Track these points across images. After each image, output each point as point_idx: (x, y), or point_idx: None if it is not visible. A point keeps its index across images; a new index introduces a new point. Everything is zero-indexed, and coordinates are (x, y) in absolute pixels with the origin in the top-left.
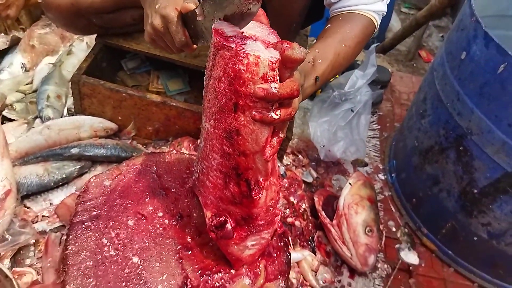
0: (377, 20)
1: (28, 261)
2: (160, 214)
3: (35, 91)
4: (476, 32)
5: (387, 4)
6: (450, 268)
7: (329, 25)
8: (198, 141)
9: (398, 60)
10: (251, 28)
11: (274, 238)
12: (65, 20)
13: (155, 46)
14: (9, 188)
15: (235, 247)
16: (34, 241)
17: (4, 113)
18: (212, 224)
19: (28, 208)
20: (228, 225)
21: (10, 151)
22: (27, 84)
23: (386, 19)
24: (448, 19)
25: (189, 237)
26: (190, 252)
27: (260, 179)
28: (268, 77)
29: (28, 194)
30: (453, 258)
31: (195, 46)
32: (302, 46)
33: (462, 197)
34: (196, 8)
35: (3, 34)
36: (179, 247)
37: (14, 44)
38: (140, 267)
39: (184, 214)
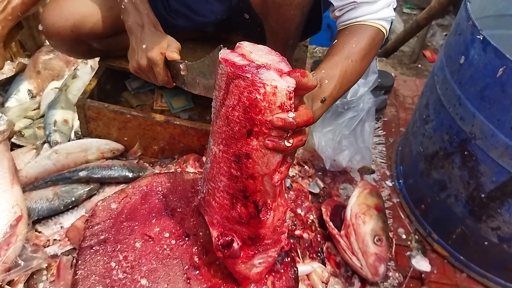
0: (386, 27)
1: (41, 286)
2: (167, 234)
3: (43, 116)
4: (473, 36)
5: None
6: (462, 274)
7: (336, 40)
8: (205, 160)
9: (401, 63)
10: (262, 55)
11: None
12: (66, 46)
13: (138, 76)
14: (20, 214)
15: (242, 265)
16: (46, 265)
17: (13, 140)
18: (219, 243)
19: (39, 232)
20: (235, 244)
21: (20, 177)
22: (34, 110)
23: None
24: (451, 17)
25: (196, 257)
26: (197, 272)
27: (268, 201)
28: (286, 106)
29: (39, 218)
30: (465, 263)
31: (174, 84)
32: (301, 56)
33: (470, 202)
34: (181, 64)
35: (9, 61)
36: (186, 267)
37: (20, 71)
38: None
39: (190, 233)
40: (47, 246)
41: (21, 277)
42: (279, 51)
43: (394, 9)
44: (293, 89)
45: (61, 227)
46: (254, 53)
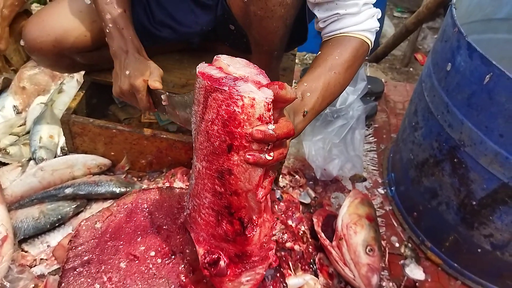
0: (370, 38)
1: None
2: (153, 253)
3: (29, 132)
4: (459, 43)
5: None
6: (457, 281)
7: (319, 52)
8: (189, 177)
9: (392, 68)
10: (239, 68)
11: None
12: (49, 61)
13: (121, 99)
14: (5, 234)
15: (230, 284)
16: (33, 286)
17: None
18: (205, 261)
19: (26, 252)
20: (222, 262)
21: (5, 195)
22: (20, 126)
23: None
24: (442, 20)
25: (182, 275)
26: None
27: (254, 217)
28: (264, 117)
29: (25, 237)
30: (459, 270)
31: (155, 109)
32: (289, 65)
33: (461, 209)
34: (162, 94)
35: None
36: (172, 286)
37: (5, 86)
38: None
39: (176, 251)
40: (34, 266)
41: None
42: (264, 62)
43: (379, 19)
44: (271, 100)
45: (48, 245)
46: (231, 66)
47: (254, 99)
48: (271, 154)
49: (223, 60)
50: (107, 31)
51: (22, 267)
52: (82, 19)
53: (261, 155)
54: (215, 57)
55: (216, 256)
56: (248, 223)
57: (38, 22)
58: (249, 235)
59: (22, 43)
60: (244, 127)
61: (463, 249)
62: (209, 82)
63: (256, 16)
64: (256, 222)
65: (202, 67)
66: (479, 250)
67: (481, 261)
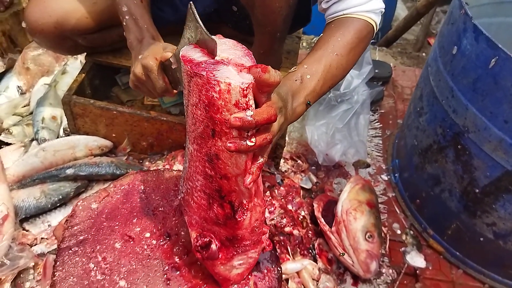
0: (375, 19)
1: (28, 284)
2: (148, 234)
3: (32, 113)
4: (465, 25)
5: None
6: (459, 270)
7: (321, 34)
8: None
9: (402, 52)
10: (225, 50)
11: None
12: (50, 42)
13: (139, 91)
14: (6, 213)
15: (222, 267)
16: (33, 264)
17: (1, 137)
18: (197, 244)
19: (27, 231)
20: (213, 246)
21: (7, 175)
22: (24, 107)
23: (391, 8)
24: None
25: (176, 257)
26: (178, 272)
27: (244, 201)
28: (241, 104)
29: (26, 217)
30: (461, 259)
31: (175, 91)
32: (294, 48)
33: (464, 197)
34: (170, 57)
35: None
36: (166, 267)
37: (10, 67)
38: None
39: (171, 233)
40: (35, 245)
41: (8, 276)
42: (266, 44)
43: (392, 2)
44: (247, 85)
45: (49, 225)
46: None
47: (230, 84)
48: (253, 139)
49: None
50: (124, 24)
51: (23, 246)
52: (83, 0)
53: (242, 142)
54: None
55: (207, 240)
56: (238, 207)
57: (39, 3)
58: (239, 219)
59: (23, 25)
60: (223, 113)
61: (466, 237)
62: (189, 66)
63: None
64: (247, 207)
65: (185, 50)
66: (481, 238)
67: (483, 250)
